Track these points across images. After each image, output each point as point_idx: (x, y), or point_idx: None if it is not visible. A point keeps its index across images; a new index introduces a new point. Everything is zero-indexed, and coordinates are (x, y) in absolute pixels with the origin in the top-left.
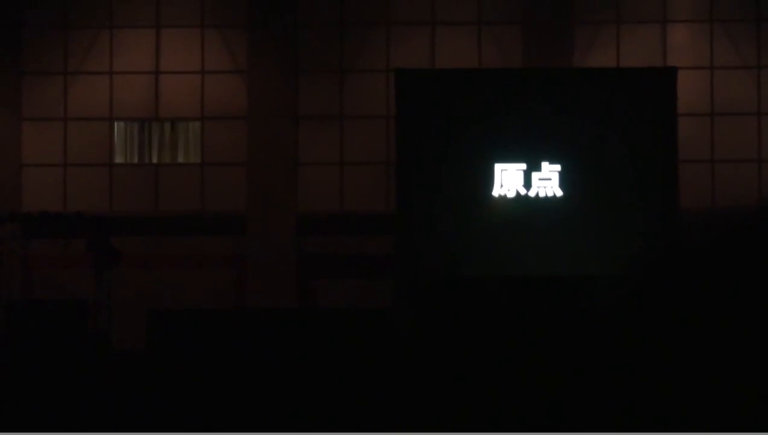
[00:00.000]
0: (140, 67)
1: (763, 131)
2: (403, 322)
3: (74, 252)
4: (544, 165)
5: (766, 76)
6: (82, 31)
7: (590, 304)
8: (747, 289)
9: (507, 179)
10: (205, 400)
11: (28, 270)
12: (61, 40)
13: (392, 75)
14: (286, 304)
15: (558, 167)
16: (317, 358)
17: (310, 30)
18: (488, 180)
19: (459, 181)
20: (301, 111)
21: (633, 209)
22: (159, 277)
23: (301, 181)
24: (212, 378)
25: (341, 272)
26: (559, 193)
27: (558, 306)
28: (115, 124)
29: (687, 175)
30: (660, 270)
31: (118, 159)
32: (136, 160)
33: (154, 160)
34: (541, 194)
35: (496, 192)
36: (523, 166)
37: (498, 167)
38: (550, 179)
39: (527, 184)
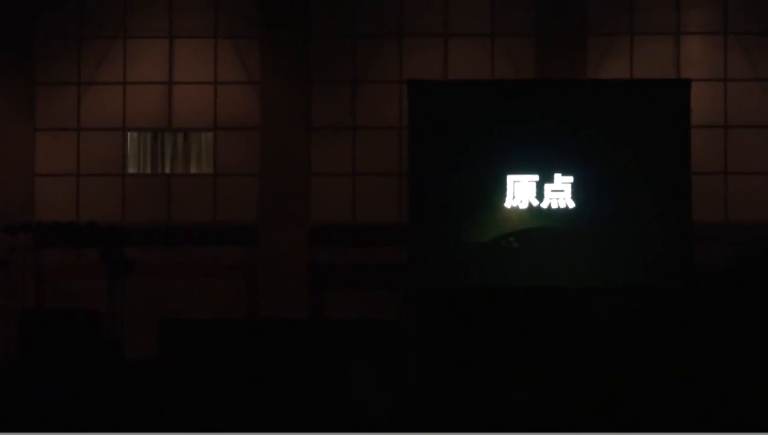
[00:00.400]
0: (153, 77)
1: None
2: (412, 333)
3: (87, 262)
4: (557, 176)
5: None
6: (96, 42)
7: (602, 315)
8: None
9: (519, 190)
10: (216, 409)
11: (41, 280)
12: (74, 50)
13: (405, 86)
14: (297, 315)
15: (571, 179)
16: (328, 368)
17: (323, 41)
18: (501, 191)
19: (471, 192)
20: (314, 121)
21: (646, 221)
22: (171, 286)
23: (313, 191)
24: (223, 388)
25: (353, 283)
26: (572, 204)
27: (569, 317)
28: (128, 134)
29: (700, 188)
30: (673, 281)
31: (131, 169)
32: (148, 171)
33: (167, 171)
34: (554, 206)
35: (509, 203)
36: (536, 177)
37: (510, 178)
38: (562, 191)
39: (540, 195)
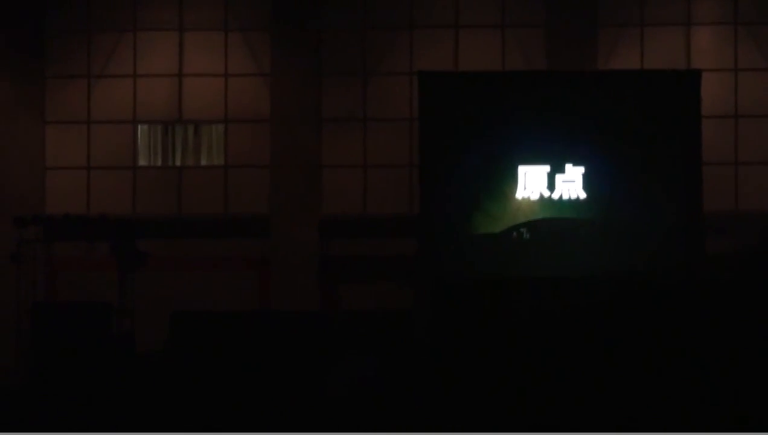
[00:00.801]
0: (164, 70)
1: None
2: (425, 325)
3: (98, 255)
4: (568, 167)
5: None
6: (106, 35)
7: (614, 304)
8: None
9: (531, 181)
10: (227, 401)
11: (52, 273)
12: (84, 44)
13: (416, 78)
14: (308, 307)
15: (582, 169)
16: (340, 360)
17: (334, 33)
18: (512, 182)
19: (482, 183)
20: (325, 114)
21: (657, 211)
22: (182, 279)
23: (324, 183)
24: (235, 380)
25: (364, 275)
26: (583, 195)
27: (580, 306)
28: (139, 126)
29: (711, 178)
30: (684, 271)
31: (142, 162)
32: (159, 163)
33: (178, 163)
34: (565, 196)
35: (520, 194)
36: (547, 168)
37: (521, 169)
38: (573, 181)
39: (551, 186)
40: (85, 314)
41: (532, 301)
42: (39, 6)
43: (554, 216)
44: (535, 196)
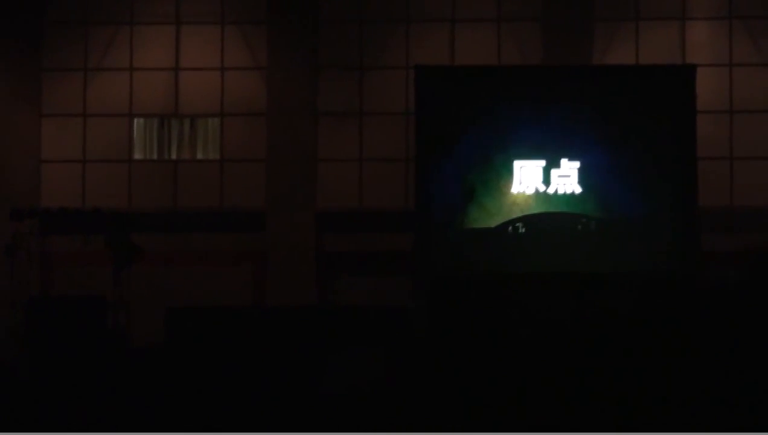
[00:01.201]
0: (160, 63)
1: None
2: (421, 320)
3: (94, 248)
4: (564, 162)
5: None
6: (102, 27)
7: (609, 301)
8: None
9: (526, 176)
10: (222, 397)
11: (47, 266)
12: (80, 36)
13: (412, 72)
14: (305, 301)
15: (577, 164)
16: (337, 355)
17: (330, 27)
18: (507, 176)
19: (478, 177)
20: (321, 107)
21: (652, 206)
22: (177, 273)
23: (320, 177)
24: (231, 375)
25: (360, 269)
26: (578, 189)
27: (576, 304)
28: (135, 120)
29: (705, 173)
30: (679, 268)
31: (138, 155)
32: (155, 157)
33: (174, 157)
34: (560, 191)
35: (516, 189)
36: (543, 162)
37: (517, 164)
38: (569, 176)
39: (546, 180)
40: (80, 308)
41: (528, 297)
42: None
43: (550, 211)
44: (530, 191)
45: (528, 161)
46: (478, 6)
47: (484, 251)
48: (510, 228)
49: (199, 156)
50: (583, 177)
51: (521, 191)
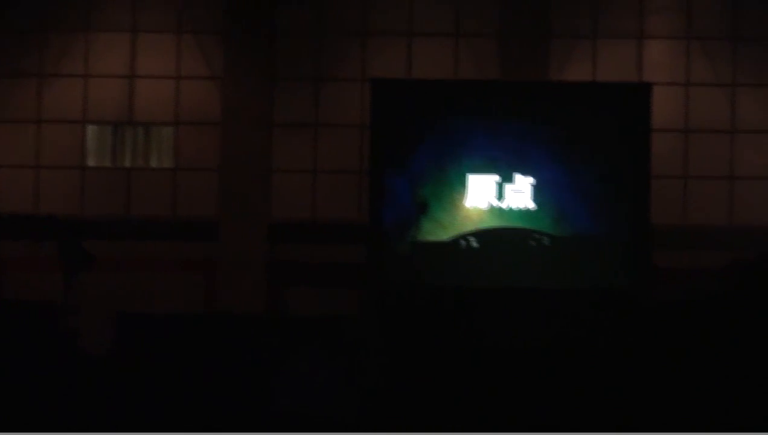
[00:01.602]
0: (115, 71)
1: (736, 149)
2: (373, 331)
3: (46, 254)
4: (517, 177)
5: (741, 94)
6: (58, 35)
7: (561, 317)
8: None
9: (479, 190)
10: (172, 403)
11: None
12: (35, 43)
13: (368, 84)
14: (255, 310)
15: (531, 180)
16: (287, 365)
17: (287, 38)
18: (461, 190)
19: (432, 191)
20: (276, 118)
21: (605, 223)
22: (129, 280)
23: (274, 188)
24: (181, 382)
25: (312, 280)
26: (532, 205)
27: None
28: (89, 127)
29: (659, 191)
30: (631, 284)
31: (91, 162)
32: (108, 164)
33: (127, 164)
34: (514, 206)
35: (469, 203)
36: (496, 177)
37: (471, 178)
38: (523, 192)
39: (500, 195)
40: (30, 313)
41: (478, 310)
42: None
43: (503, 225)
44: (483, 205)
45: (482, 175)
46: (435, 20)
47: (437, 264)
48: (462, 241)
49: (153, 164)
50: (537, 193)
51: (474, 205)
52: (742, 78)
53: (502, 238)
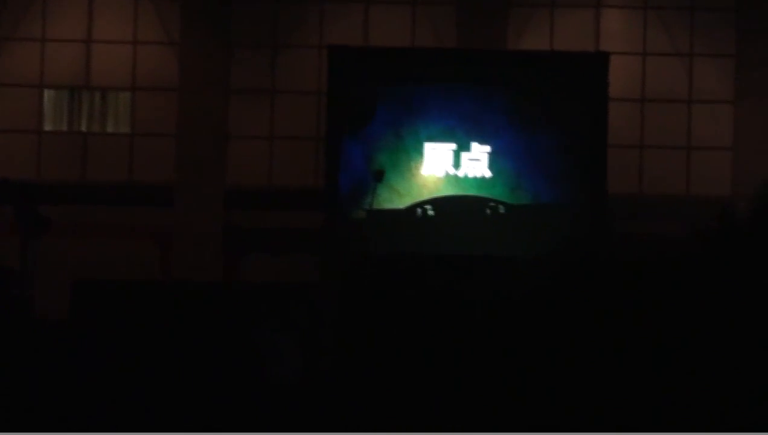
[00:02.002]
0: (72, 35)
1: (694, 119)
2: (328, 299)
3: (0, 219)
4: (474, 145)
5: (699, 64)
6: None
7: (516, 286)
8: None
9: (436, 158)
10: (127, 372)
11: None
12: None
13: (325, 51)
14: (211, 277)
15: (488, 148)
16: (243, 332)
17: (244, 4)
18: (418, 159)
19: (388, 159)
20: (233, 84)
21: (562, 193)
22: (85, 246)
23: (230, 154)
24: (137, 350)
25: (268, 247)
26: (488, 173)
27: (481, 287)
28: (45, 91)
29: (616, 161)
30: (587, 254)
31: (47, 126)
32: (65, 128)
33: (83, 129)
34: (470, 174)
35: (426, 171)
36: (453, 145)
37: (428, 146)
38: (479, 160)
39: (456, 163)
40: None
41: (436, 278)
42: None
43: (459, 193)
44: (440, 174)
45: (438, 144)
46: None
47: (393, 232)
48: (419, 210)
49: (109, 129)
50: (494, 161)
51: (431, 173)
52: (700, 48)
53: (458, 206)
